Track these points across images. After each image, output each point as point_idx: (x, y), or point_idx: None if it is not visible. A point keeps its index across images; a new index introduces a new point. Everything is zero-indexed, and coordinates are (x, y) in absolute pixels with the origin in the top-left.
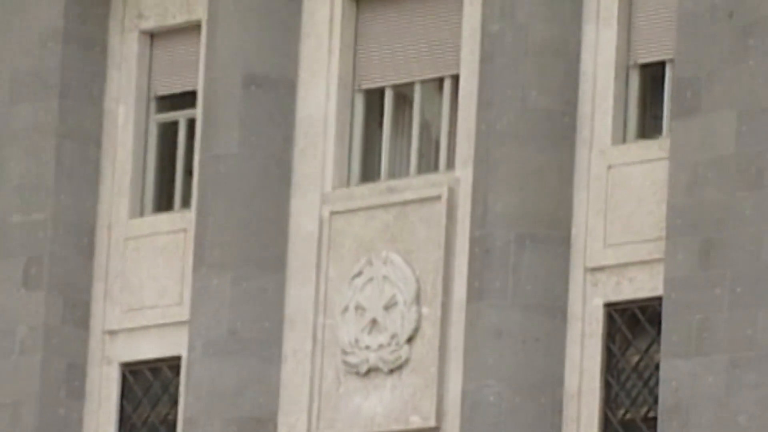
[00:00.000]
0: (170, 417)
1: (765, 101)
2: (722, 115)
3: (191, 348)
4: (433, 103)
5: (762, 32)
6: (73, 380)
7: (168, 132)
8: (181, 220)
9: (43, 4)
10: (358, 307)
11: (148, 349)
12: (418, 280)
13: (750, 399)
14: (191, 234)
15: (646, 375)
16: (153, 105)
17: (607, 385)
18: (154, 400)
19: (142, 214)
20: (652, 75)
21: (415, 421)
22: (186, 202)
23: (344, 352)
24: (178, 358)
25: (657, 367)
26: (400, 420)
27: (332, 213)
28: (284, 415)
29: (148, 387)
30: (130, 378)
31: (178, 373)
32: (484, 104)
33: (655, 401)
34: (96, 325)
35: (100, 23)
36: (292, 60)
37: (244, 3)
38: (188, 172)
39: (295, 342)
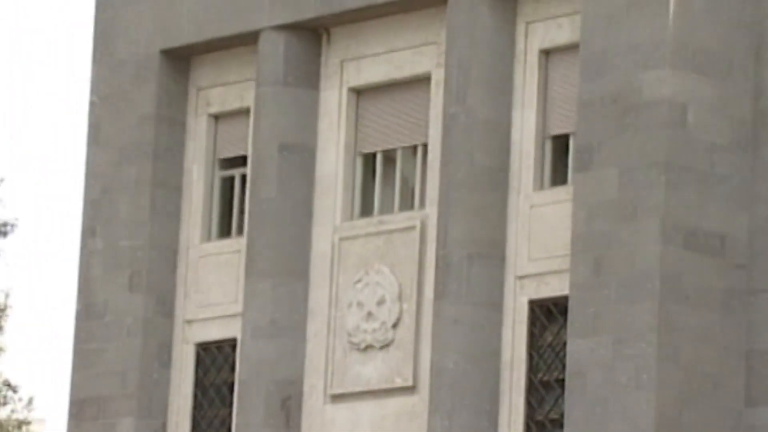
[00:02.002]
0: (230, 380)
1: (638, 162)
2: (608, 171)
3: (244, 332)
4: (410, 163)
5: (636, 114)
6: (163, 355)
7: (227, 183)
8: (237, 244)
9: (141, 95)
10: (359, 303)
11: (215, 333)
12: (400, 285)
13: (628, 366)
14: (243, 253)
15: (557, 349)
16: (217, 165)
17: (530, 357)
18: (219, 368)
19: (209, 239)
20: (561, 143)
21: (399, 382)
22: (240, 231)
23: (349, 335)
24: (234, 339)
25: (564, 344)
26: (388, 381)
27: (341, 239)
28: (308, 378)
29: (214, 359)
30: (202, 353)
31: (234, 350)
32: (445, 163)
33: (563, 368)
34: (178, 316)
35: (181, 109)
36: (313, 133)
37: (280, 94)
38: (241, 211)
39: (316, 328)
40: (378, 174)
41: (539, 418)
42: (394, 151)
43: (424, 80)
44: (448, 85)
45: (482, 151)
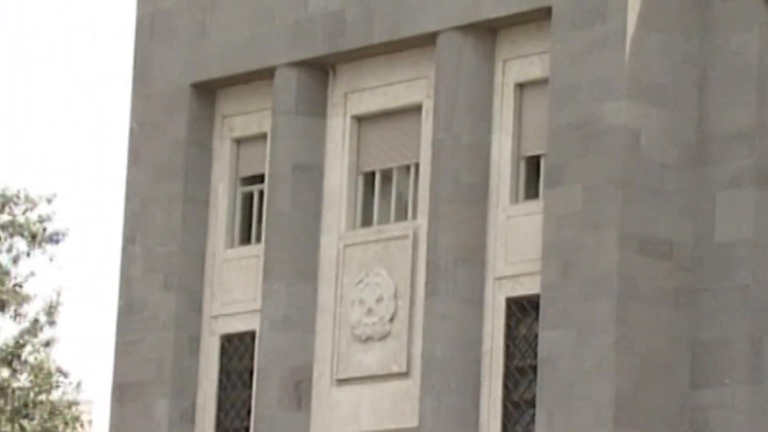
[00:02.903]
0: (250, 367)
1: (599, 179)
2: (574, 188)
3: (262, 325)
4: (404, 180)
5: (597, 138)
6: (193, 345)
7: (248, 198)
8: (256, 250)
9: (174, 123)
10: (361, 301)
11: (237, 326)
12: (395, 285)
13: (591, 354)
14: (261, 258)
15: (530, 340)
16: (239, 182)
17: (507, 346)
18: (240, 356)
19: (232, 246)
20: (533, 163)
21: (395, 368)
22: (258, 239)
23: (352, 328)
24: (254, 332)
25: (536, 335)
26: (386, 367)
27: (345, 245)
28: (317, 365)
29: (237, 349)
30: (226, 344)
31: (254, 340)
32: (434, 181)
33: (535, 356)
34: (206, 312)
35: (208, 134)
36: (321, 154)
37: (293, 121)
38: (259, 221)
39: (324, 322)
40: (377, 189)
41: (515, 398)
42: (390, 170)
43: (416, 109)
44: (436, 114)
45: (466, 170)
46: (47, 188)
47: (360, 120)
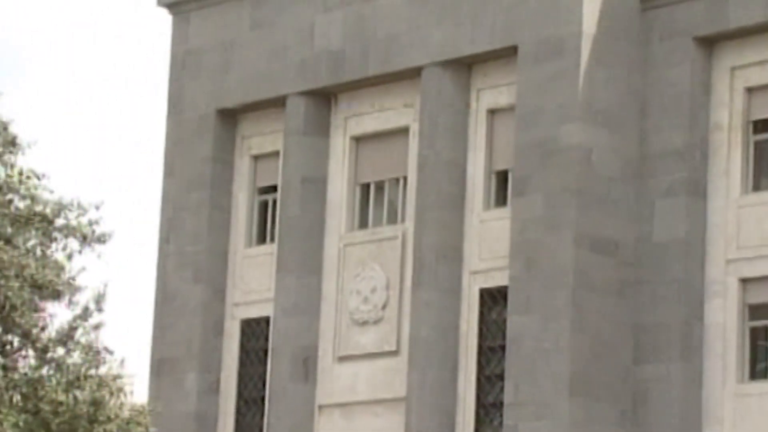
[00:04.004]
0: (265, 347)
1: (557, 190)
2: (536, 197)
3: (276, 312)
4: (394, 190)
5: (556, 155)
6: (217, 328)
7: (264, 205)
8: (270, 249)
9: (202, 142)
10: (358, 291)
11: (254, 312)
12: (387, 278)
13: (551, 336)
14: (275, 255)
15: (500, 324)
16: (256, 192)
17: (480, 330)
18: (257, 338)
19: (250, 245)
20: (502, 176)
21: (386, 348)
22: (272, 239)
23: (351, 313)
24: (268, 317)
25: (505, 320)
26: (379, 347)
27: (345, 245)
28: (322, 344)
29: (254, 331)
30: (246, 328)
31: (268, 324)
32: (419, 190)
33: (504, 337)
34: (229, 301)
35: (230, 152)
36: (324, 169)
37: (301, 141)
38: (273, 224)
39: (327, 309)
40: (371, 198)
41: (487, 373)
42: (383, 181)
43: (404, 131)
44: (421, 135)
45: (446, 182)
46: (96, 197)
47: (357, 140)
